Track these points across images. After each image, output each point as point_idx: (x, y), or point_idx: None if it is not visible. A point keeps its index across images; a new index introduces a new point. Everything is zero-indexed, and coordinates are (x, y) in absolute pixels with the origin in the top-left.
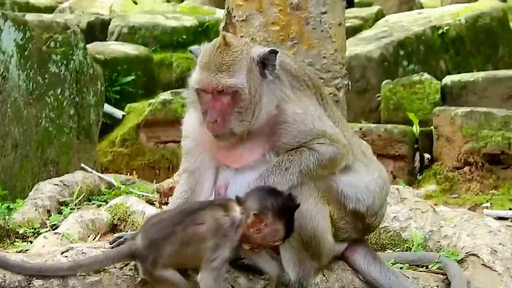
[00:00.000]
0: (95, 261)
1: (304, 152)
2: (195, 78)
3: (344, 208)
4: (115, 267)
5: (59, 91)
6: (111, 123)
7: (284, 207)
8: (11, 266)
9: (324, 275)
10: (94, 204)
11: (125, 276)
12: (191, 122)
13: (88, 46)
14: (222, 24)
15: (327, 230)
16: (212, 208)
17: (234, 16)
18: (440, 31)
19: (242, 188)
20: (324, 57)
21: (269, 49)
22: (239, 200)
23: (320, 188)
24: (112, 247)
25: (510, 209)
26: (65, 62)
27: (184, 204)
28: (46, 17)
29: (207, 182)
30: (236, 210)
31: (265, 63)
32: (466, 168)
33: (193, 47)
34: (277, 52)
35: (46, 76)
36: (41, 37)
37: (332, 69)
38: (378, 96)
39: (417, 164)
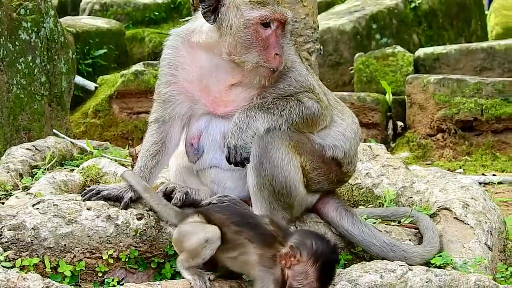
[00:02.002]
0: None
1: (291, 101)
2: (258, 13)
3: (320, 157)
4: (87, 219)
5: (30, 58)
6: (83, 96)
7: (322, 252)
8: None
9: (296, 227)
10: (66, 168)
11: (97, 228)
12: (183, 65)
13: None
14: None
15: (299, 180)
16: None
17: None
18: (413, 4)
19: (216, 138)
20: (296, 21)
21: None
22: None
23: (293, 139)
24: (84, 200)
25: (483, 174)
26: (35, 29)
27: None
28: None
29: (178, 133)
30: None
31: None
32: (439, 135)
33: None
34: None
35: (16, 43)
36: (11, 4)
37: (304, 33)
38: (351, 69)
39: (390, 131)
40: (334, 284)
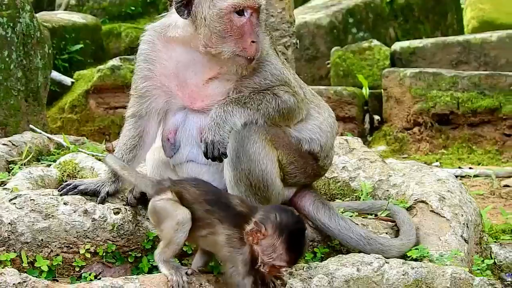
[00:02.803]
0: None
1: (267, 95)
2: (230, 2)
3: (297, 151)
4: (64, 214)
5: (6, 53)
6: (60, 91)
7: (286, 223)
8: None
9: None
10: (43, 163)
11: (74, 222)
12: (159, 60)
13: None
14: None
15: (275, 174)
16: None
17: None
18: None
19: (192, 133)
20: (272, 16)
21: None
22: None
23: (270, 133)
24: (61, 194)
25: (459, 167)
26: (11, 24)
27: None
28: None
29: (155, 127)
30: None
31: None
32: (416, 129)
33: None
34: None
35: None
36: None
37: (280, 27)
38: (328, 63)
39: (367, 125)
40: (310, 277)
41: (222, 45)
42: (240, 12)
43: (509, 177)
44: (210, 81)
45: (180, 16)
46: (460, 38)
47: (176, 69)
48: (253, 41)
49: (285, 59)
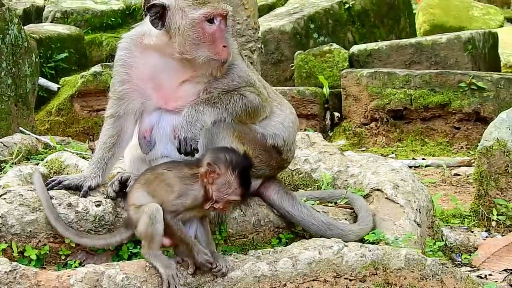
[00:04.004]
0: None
1: (234, 95)
2: (201, 12)
3: (262, 145)
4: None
5: None
6: (47, 96)
7: (236, 161)
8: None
9: (241, 210)
10: (32, 162)
11: (60, 215)
12: (136, 65)
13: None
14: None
15: None
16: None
17: None
18: (347, 5)
19: (166, 131)
20: (238, 23)
21: None
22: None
23: (237, 130)
24: (48, 189)
25: (413, 158)
26: (1, 36)
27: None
28: None
29: (132, 126)
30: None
31: None
32: (373, 124)
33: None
34: None
35: None
36: None
37: (246, 33)
38: (292, 66)
39: (328, 122)
40: (276, 260)
41: (196, 51)
42: (211, 20)
43: (459, 166)
44: (184, 84)
45: (155, 27)
46: (413, 40)
47: (152, 73)
48: (224, 46)
49: (251, 62)
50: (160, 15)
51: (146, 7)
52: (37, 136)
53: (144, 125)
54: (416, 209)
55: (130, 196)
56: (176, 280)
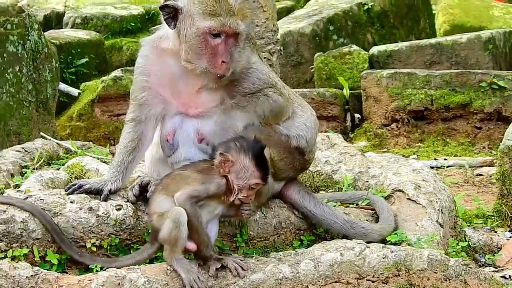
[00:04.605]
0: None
1: (260, 97)
2: (207, 24)
3: (286, 147)
4: (71, 211)
5: (17, 68)
6: (68, 101)
7: (247, 145)
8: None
9: (262, 212)
10: (53, 167)
11: (80, 219)
12: (154, 72)
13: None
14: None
15: None
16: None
17: None
18: (366, 7)
19: (189, 134)
20: (257, 25)
21: None
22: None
23: (263, 133)
24: (68, 194)
25: (435, 159)
26: (21, 42)
27: None
28: (2, 1)
29: (152, 130)
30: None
31: None
32: (393, 125)
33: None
34: None
35: (5, 55)
36: None
37: (265, 36)
38: (312, 68)
39: (348, 123)
40: (298, 262)
41: (196, 61)
42: (216, 35)
43: (481, 166)
44: (201, 90)
45: (168, 26)
46: (433, 40)
47: (170, 80)
48: (223, 61)
49: (270, 64)
50: (173, 15)
51: (159, 6)
52: (58, 141)
53: (166, 128)
54: (438, 210)
55: (151, 205)
56: (198, 284)
